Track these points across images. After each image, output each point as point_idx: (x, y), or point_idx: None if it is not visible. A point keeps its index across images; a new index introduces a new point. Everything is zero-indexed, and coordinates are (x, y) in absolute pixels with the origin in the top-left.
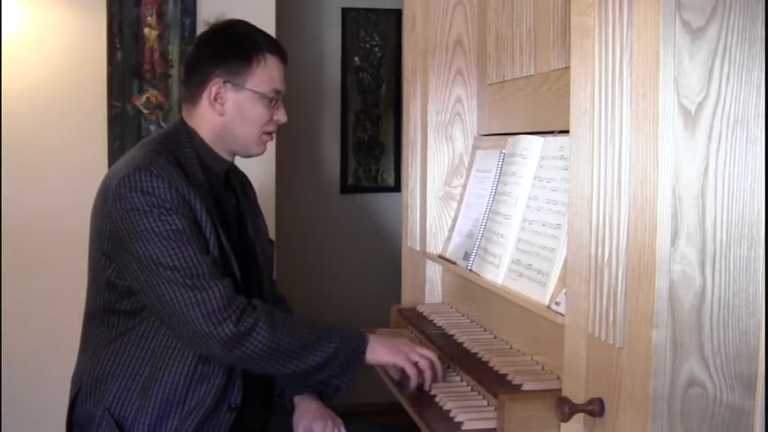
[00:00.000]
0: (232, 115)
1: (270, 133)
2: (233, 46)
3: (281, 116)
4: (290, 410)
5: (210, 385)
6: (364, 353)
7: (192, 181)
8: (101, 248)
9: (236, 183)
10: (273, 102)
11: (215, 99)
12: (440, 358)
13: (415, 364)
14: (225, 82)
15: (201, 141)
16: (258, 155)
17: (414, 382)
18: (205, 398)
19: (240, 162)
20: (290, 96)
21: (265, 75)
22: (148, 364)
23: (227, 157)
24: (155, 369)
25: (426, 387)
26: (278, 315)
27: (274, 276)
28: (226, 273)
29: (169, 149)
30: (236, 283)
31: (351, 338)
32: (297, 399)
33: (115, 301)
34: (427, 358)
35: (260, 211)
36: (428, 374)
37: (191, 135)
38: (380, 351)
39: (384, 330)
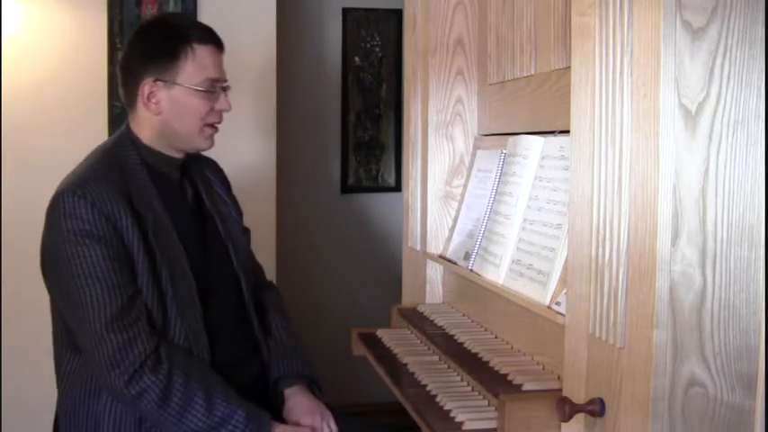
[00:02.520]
0: (168, 113)
1: (213, 125)
2: (159, 42)
3: (223, 105)
4: (281, 403)
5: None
6: None
7: (134, 190)
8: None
9: (198, 177)
10: (210, 92)
11: (148, 99)
12: (440, 359)
13: None
14: (155, 80)
15: (144, 146)
16: (206, 149)
17: None
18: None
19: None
20: (291, 96)
21: (195, 67)
22: (86, 395)
23: (175, 154)
24: (92, 399)
25: None
26: (174, 387)
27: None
28: (176, 288)
29: (113, 158)
30: (152, 319)
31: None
32: (287, 392)
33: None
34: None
35: (232, 200)
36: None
37: (134, 142)
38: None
39: (384, 331)
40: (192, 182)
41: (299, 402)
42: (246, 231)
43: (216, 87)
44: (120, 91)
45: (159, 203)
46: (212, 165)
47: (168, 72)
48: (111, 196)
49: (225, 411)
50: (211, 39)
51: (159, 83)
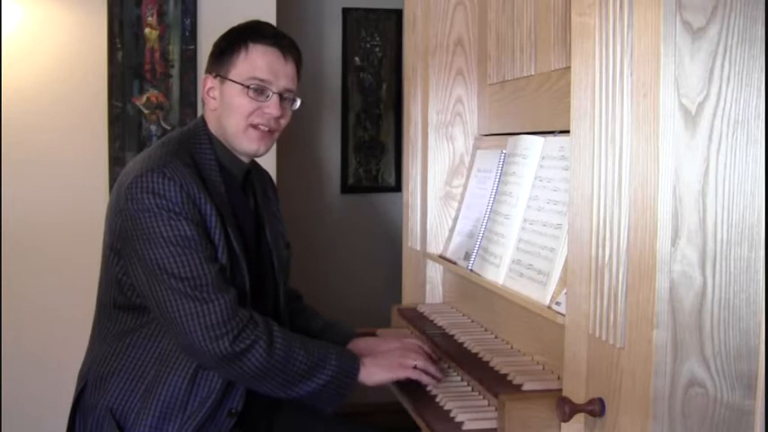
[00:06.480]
0: (220, 108)
1: (258, 126)
2: (222, 40)
3: (270, 108)
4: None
5: (210, 390)
6: (355, 380)
7: (207, 183)
8: (111, 245)
9: (258, 185)
10: (258, 92)
11: (208, 93)
12: (440, 358)
13: (415, 367)
14: (215, 76)
15: (218, 141)
16: (254, 153)
17: (425, 381)
18: (204, 402)
19: None
20: None
21: (246, 64)
22: (153, 367)
23: (242, 157)
24: (159, 372)
25: (437, 377)
26: (276, 337)
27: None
28: (234, 281)
29: (187, 150)
30: (243, 293)
31: (344, 368)
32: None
33: (123, 298)
34: (422, 355)
35: (279, 214)
36: (432, 369)
37: (209, 135)
38: (376, 372)
39: (385, 331)
40: (253, 188)
41: (366, 340)
42: (288, 246)
43: (267, 89)
44: None
45: (229, 201)
46: (270, 178)
47: (224, 68)
48: (195, 182)
49: (321, 351)
50: (273, 42)
51: (217, 78)
